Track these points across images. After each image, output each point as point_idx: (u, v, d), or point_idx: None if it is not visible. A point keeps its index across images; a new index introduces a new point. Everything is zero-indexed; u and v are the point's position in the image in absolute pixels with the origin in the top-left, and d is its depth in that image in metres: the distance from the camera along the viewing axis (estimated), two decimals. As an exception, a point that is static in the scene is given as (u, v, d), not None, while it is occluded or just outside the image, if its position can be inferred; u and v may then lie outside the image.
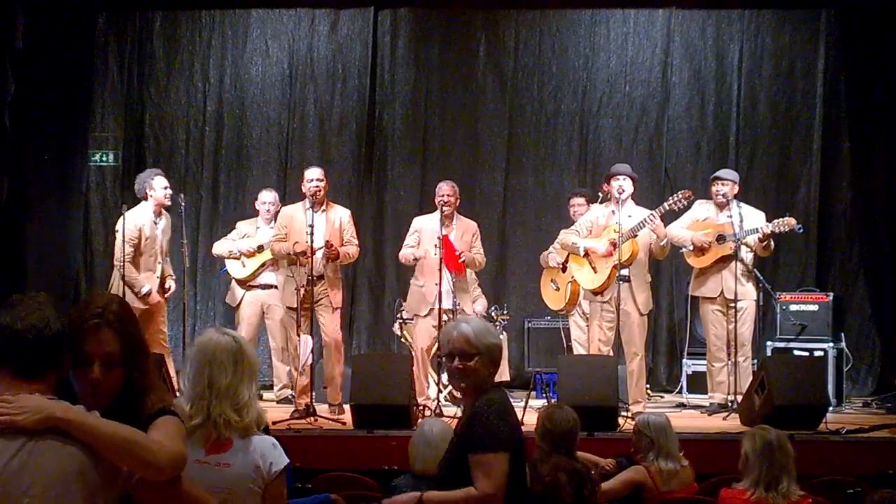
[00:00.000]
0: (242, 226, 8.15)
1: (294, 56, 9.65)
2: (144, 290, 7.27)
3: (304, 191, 7.27)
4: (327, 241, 7.03)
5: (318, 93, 9.67)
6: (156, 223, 7.46)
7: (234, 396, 2.89)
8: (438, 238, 7.19)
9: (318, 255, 7.06)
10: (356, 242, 7.42)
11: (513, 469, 3.14)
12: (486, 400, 3.22)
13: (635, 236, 7.05)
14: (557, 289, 8.03)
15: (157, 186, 7.44)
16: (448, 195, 7.42)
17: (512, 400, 8.24)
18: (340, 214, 7.35)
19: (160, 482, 2.28)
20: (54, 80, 8.99)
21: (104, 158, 9.58)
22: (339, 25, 9.65)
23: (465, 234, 7.49)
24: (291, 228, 7.20)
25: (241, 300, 7.97)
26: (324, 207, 7.22)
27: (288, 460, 2.95)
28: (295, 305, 7.11)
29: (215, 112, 9.63)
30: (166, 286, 7.53)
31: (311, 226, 6.93)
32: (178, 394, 6.77)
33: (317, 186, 7.14)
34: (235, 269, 7.96)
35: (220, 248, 8.08)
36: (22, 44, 8.50)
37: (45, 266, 9.06)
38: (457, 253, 7.28)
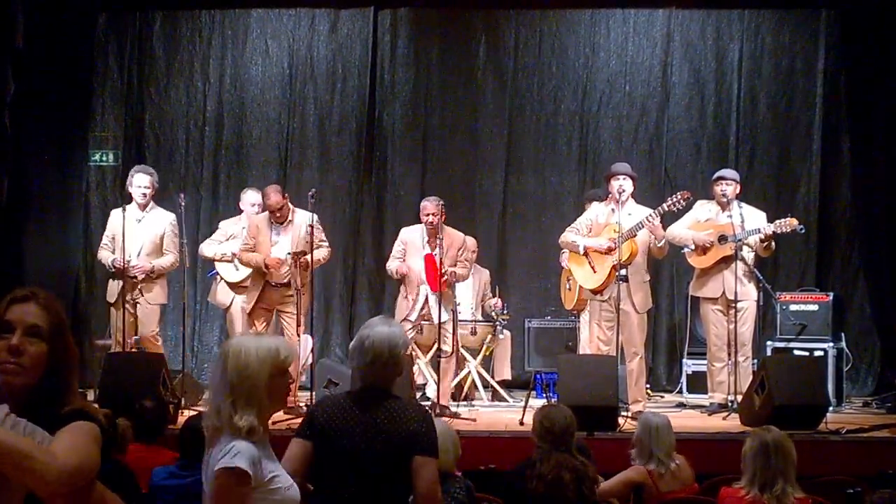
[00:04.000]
0: (226, 225, 8.06)
1: (294, 56, 9.65)
2: (110, 259, 7.34)
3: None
4: (293, 254, 7.10)
5: (318, 93, 9.67)
6: (138, 221, 7.43)
7: None
8: (423, 257, 7.27)
9: (285, 268, 7.17)
10: (327, 244, 7.45)
11: (318, 458, 3.27)
12: None
13: (634, 236, 7.05)
14: (570, 289, 8.05)
15: (133, 183, 7.47)
16: (432, 213, 7.28)
17: (511, 400, 8.30)
18: (306, 221, 7.29)
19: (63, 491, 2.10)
20: (54, 80, 8.98)
21: (104, 158, 9.58)
22: (339, 25, 9.65)
23: (451, 248, 7.35)
24: (258, 240, 7.28)
25: (233, 302, 7.88)
26: (288, 219, 7.29)
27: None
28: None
29: (215, 112, 9.63)
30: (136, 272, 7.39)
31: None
32: (179, 395, 6.85)
33: (269, 208, 7.25)
34: (228, 272, 7.85)
35: (208, 250, 7.94)
36: (22, 44, 8.50)
37: (45, 266, 9.05)
38: (441, 271, 7.13)
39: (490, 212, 9.55)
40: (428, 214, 7.30)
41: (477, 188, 9.54)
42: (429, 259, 7.24)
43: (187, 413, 6.70)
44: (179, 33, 9.66)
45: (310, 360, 7.21)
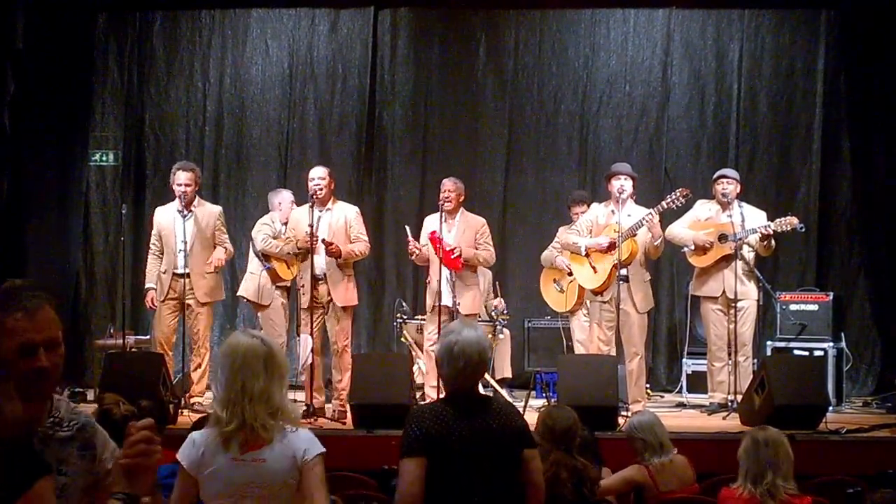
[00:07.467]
0: (269, 222, 7.88)
1: (294, 56, 9.65)
2: (147, 286, 7.38)
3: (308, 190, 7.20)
4: (323, 240, 6.93)
5: (318, 93, 9.68)
6: (184, 215, 7.36)
7: (268, 400, 2.89)
8: (427, 236, 7.21)
9: (320, 254, 7.00)
10: (365, 239, 7.26)
11: (433, 471, 3.21)
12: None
13: (634, 235, 7.05)
14: (561, 290, 8.02)
15: (175, 181, 7.38)
16: (448, 191, 7.28)
17: (512, 400, 8.27)
18: (346, 212, 7.20)
19: None
20: (54, 80, 8.99)
21: (104, 158, 9.58)
22: (339, 25, 9.66)
23: (468, 230, 7.33)
24: (297, 229, 7.15)
25: (272, 303, 7.80)
26: (328, 206, 7.12)
27: (324, 448, 2.96)
28: (305, 306, 7.06)
29: (215, 112, 9.64)
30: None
31: (311, 225, 6.90)
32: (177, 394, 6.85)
33: (317, 185, 7.04)
34: (284, 270, 7.75)
35: (268, 246, 7.73)
36: (22, 44, 8.51)
37: (45, 266, 9.06)
38: (448, 248, 7.12)
39: (490, 212, 9.51)
40: (444, 191, 7.27)
41: (477, 188, 9.52)
42: (432, 238, 7.17)
43: (187, 413, 6.71)
44: (179, 33, 9.67)
45: (309, 360, 7.20)
